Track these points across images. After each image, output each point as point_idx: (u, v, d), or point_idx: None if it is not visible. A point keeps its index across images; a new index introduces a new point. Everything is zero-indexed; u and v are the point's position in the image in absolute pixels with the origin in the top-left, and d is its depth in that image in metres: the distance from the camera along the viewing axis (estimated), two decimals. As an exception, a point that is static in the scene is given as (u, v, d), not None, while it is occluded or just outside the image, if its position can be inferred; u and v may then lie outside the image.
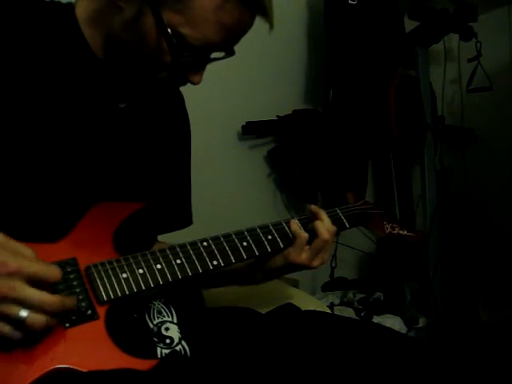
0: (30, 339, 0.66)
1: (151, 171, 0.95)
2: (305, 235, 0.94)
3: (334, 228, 0.97)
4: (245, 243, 0.90)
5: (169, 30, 0.77)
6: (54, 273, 0.67)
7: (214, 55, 0.85)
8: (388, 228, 1.10)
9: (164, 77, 0.85)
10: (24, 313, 0.63)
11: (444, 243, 2.39)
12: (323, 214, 0.97)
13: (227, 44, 0.84)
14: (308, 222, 0.97)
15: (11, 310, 0.63)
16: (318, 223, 0.95)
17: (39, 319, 0.64)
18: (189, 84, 0.88)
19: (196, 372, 0.84)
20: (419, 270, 2.33)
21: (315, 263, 0.96)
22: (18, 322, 0.63)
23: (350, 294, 2.15)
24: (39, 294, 0.64)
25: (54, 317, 0.66)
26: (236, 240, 0.89)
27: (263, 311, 1.02)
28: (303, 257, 0.94)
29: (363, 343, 0.88)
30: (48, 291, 0.66)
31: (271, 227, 0.94)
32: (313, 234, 0.95)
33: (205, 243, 0.86)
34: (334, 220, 1.01)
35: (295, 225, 0.95)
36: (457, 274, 2.42)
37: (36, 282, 0.65)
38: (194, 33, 0.78)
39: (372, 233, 1.11)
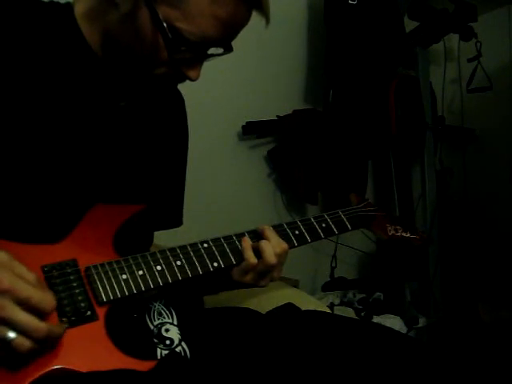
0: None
1: (149, 171, 0.95)
2: (253, 261, 0.88)
3: (282, 248, 0.90)
4: None
5: (164, 25, 0.77)
6: (48, 303, 0.65)
7: (211, 51, 0.84)
8: (391, 230, 1.09)
9: (162, 73, 0.84)
10: (11, 334, 0.61)
11: (444, 243, 2.39)
12: (270, 233, 0.90)
13: (224, 39, 0.82)
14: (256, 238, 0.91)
15: None
16: (263, 243, 0.89)
17: (24, 344, 0.62)
18: (189, 83, 0.88)
19: (196, 373, 0.84)
20: (419, 270, 2.33)
21: (263, 283, 0.92)
22: (5, 342, 0.62)
23: (350, 294, 2.14)
24: (27, 319, 0.62)
25: (40, 343, 0.64)
26: (236, 242, 0.89)
27: (263, 311, 1.01)
28: (247, 278, 0.90)
29: (363, 343, 0.87)
30: (43, 316, 0.65)
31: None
32: (258, 253, 0.89)
33: (205, 244, 0.86)
34: (336, 222, 1.01)
35: (247, 243, 0.89)
36: (457, 274, 2.42)
37: (28, 306, 0.63)
38: (189, 27, 0.77)
39: (375, 235, 1.09)
